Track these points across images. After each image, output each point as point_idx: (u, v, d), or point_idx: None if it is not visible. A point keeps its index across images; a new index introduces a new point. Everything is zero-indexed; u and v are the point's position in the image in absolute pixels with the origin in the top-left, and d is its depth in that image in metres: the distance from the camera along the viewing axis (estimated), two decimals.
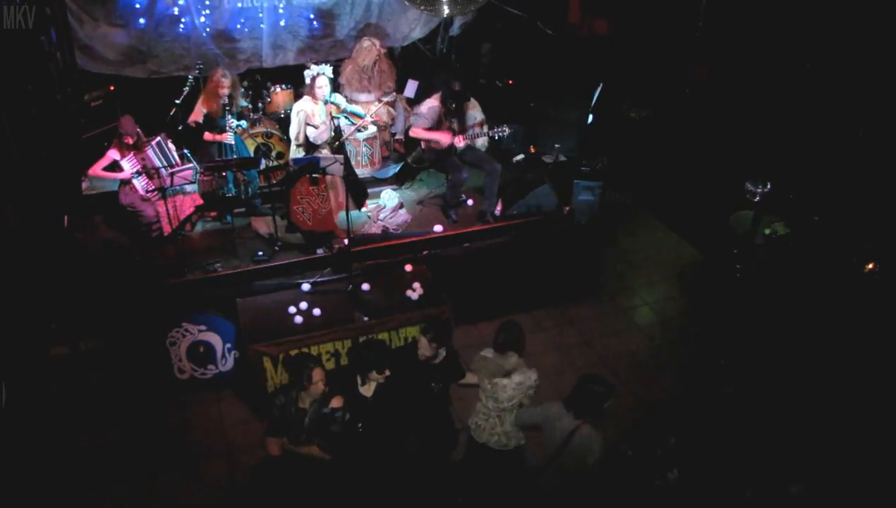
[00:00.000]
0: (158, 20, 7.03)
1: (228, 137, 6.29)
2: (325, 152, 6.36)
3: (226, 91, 6.25)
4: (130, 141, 5.89)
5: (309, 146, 6.61)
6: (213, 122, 6.33)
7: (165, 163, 6.01)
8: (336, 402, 4.19)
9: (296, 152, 6.68)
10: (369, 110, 7.11)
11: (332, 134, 6.44)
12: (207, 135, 6.33)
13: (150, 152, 6.00)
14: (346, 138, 6.45)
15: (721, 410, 5.55)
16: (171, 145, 6.18)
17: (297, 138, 6.64)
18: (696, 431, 4.64)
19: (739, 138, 7.21)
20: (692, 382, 5.96)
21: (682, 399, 5.66)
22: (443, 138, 6.41)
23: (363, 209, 6.74)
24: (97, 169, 5.96)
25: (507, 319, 4.59)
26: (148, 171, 5.98)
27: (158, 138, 6.15)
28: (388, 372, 4.33)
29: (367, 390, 4.40)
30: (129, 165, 5.94)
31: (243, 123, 6.49)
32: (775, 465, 4.46)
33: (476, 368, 4.52)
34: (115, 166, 5.96)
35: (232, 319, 5.66)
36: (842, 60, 6.32)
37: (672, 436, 4.01)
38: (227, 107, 6.27)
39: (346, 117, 6.68)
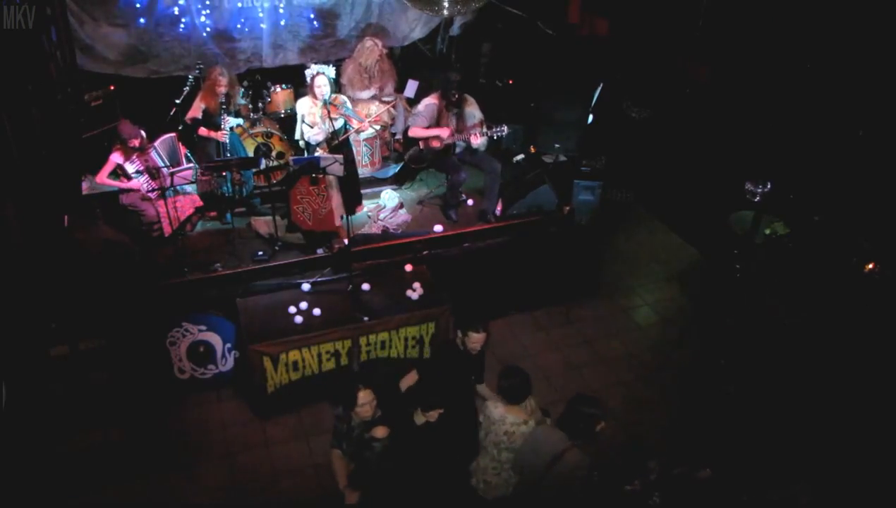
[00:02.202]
0: (158, 20, 7.04)
1: (223, 136, 6.29)
2: (321, 152, 6.36)
3: (223, 89, 6.25)
4: (136, 143, 5.91)
5: (308, 145, 6.61)
6: (211, 119, 6.33)
7: (168, 163, 6.02)
8: (379, 432, 3.94)
9: (306, 151, 6.68)
10: (369, 110, 7.12)
11: (330, 135, 6.44)
12: (202, 130, 6.33)
13: (152, 153, 6.03)
14: (345, 138, 6.44)
15: (721, 410, 5.56)
16: (180, 146, 6.20)
17: (298, 135, 6.65)
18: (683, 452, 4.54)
19: (739, 138, 7.21)
20: (692, 382, 5.97)
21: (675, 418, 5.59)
22: (442, 133, 6.41)
23: (364, 210, 6.75)
24: (103, 177, 6.00)
25: (510, 365, 4.36)
26: (150, 171, 6.00)
27: (164, 138, 6.17)
28: (438, 412, 4.05)
29: (419, 419, 4.18)
30: (132, 167, 5.97)
31: (240, 121, 6.49)
32: (777, 466, 4.45)
33: (482, 420, 4.28)
34: (117, 170, 6.00)
35: (232, 319, 5.66)
36: (842, 60, 6.31)
37: (653, 463, 3.87)
38: (224, 106, 6.27)
39: (345, 120, 6.68)
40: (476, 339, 4.43)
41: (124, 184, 6.01)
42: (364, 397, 3.94)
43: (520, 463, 4.06)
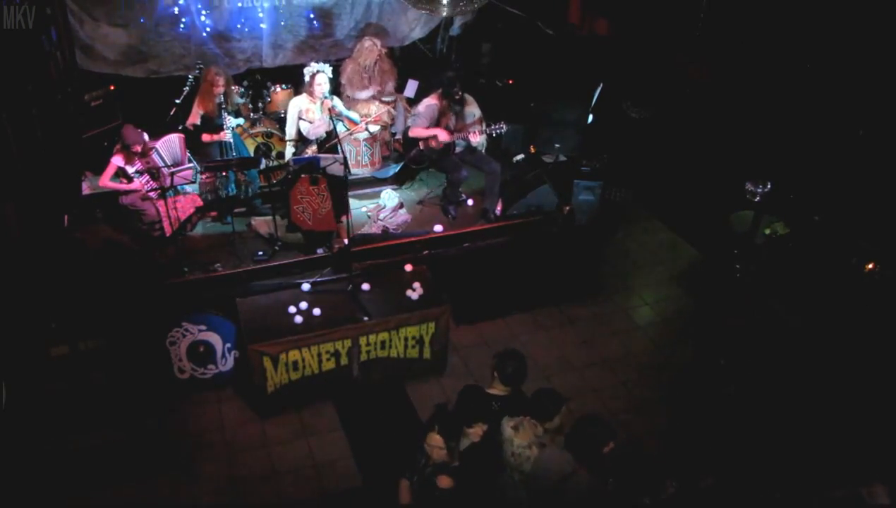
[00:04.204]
0: (158, 20, 7.04)
1: (226, 135, 6.30)
2: (313, 150, 6.36)
3: (220, 89, 6.26)
4: (138, 149, 5.92)
5: (300, 141, 6.60)
6: (211, 122, 6.33)
7: (169, 162, 6.03)
8: (443, 482, 3.78)
9: (289, 149, 6.69)
10: (369, 110, 7.12)
11: (325, 134, 6.43)
12: (205, 137, 6.34)
13: (154, 155, 6.04)
14: (338, 141, 6.43)
15: (721, 410, 5.56)
16: (184, 147, 6.23)
17: (289, 134, 6.64)
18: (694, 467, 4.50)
19: (739, 138, 7.20)
20: (692, 382, 5.97)
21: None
22: (440, 134, 6.41)
23: (363, 210, 6.76)
24: (105, 181, 6.01)
25: (545, 387, 4.27)
26: (150, 171, 6.00)
27: (167, 138, 6.18)
28: (482, 428, 4.02)
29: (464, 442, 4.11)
30: (132, 169, 5.99)
31: (241, 121, 6.49)
32: (777, 465, 4.45)
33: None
34: (118, 172, 6.02)
35: (232, 319, 5.66)
36: (842, 60, 6.31)
37: (670, 482, 3.82)
38: (223, 106, 6.27)
39: (341, 122, 6.67)
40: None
41: (126, 187, 6.02)
42: (432, 439, 3.81)
43: (531, 487, 3.97)
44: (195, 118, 6.39)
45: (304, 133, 6.53)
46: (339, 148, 6.20)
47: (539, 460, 3.88)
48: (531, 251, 6.64)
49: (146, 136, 6.06)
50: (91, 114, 6.88)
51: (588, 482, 3.67)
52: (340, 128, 6.63)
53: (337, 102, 6.68)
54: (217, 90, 6.25)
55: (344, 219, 6.06)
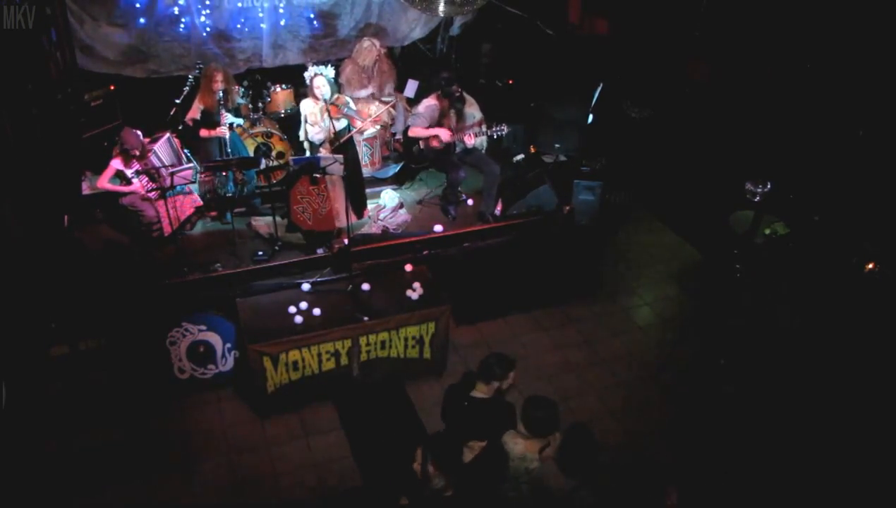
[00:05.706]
0: (158, 20, 7.04)
1: (223, 131, 6.29)
2: (325, 152, 6.38)
3: (220, 86, 6.27)
4: (137, 153, 5.94)
5: (312, 145, 6.64)
6: (210, 118, 6.34)
7: (168, 163, 6.03)
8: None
9: (309, 152, 6.72)
10: (369, 110, 7.13)
11: (333, 135, 6.45)
12: (203, 132, 6.35)
13: (152, 157, 6.05)
14: (347, 138, 6.44)
15: (721, 410, 5.56)
16: (176, 142, 6.21)
17: (301, 137, 6.68)
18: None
19: (739, 138, 7.21)
20: (692, 382, 5.97)
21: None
22: (442, 133, 6.41)
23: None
24: (104, 182, 6.02)
25: (536, 395, 4.07)
26: (149, 172, 6.01)
27: (162, 141, 6.18)
28: (480, 445, 3.95)
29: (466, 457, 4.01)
30: (130, 171, 6.01)
31: (240, 120, 6.49)
32: (777, 464, 4.45)
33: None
34: (117, 174, 6.04)
35: (232, 319, 5.66)
36: (842, 60, 6.31)
37: (672, 489, 3.79)
38: (222, 103, 6.28)
39: (348, 120, 6.68)
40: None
41: (124, 189, 6.03)
42: (419, 455, 3.71)
43: (537, 499, 3.91)
44: (195, 113, 6.40)
45: (309, 137, 6.56)
46: (351, 145, 6.21)
47: (540, 473, 3.86)
48: (531, 251, 6.64)
49: (140, 134, 6.07)
50: (91, 114, 6.88)
51: (592, 494, 3.66)
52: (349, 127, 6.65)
53: (343, 100, 6.67)
54: (216, 85, 6.26)
55: (344, 221, 6.06)
